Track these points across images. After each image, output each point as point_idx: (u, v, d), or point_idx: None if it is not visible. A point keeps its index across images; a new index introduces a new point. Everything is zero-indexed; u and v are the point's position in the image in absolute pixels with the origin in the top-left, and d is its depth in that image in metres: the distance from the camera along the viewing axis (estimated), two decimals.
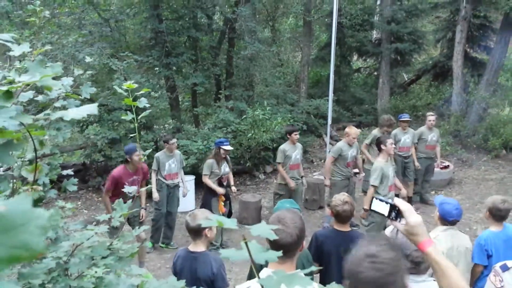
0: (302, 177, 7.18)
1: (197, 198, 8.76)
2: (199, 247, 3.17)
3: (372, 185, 5.76)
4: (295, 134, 6.79)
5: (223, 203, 6.59)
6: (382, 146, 5.85)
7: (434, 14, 15.59)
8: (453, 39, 12.08)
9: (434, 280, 2.18)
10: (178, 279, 2.97)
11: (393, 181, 6.00)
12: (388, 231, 2.38)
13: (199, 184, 8.46)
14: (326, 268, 3.48)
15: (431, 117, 7.93)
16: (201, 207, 6.60)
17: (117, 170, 5.48)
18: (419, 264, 2.19)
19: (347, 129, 6.91)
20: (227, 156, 6.67)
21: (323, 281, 3.45)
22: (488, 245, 3.65)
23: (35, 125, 0.93)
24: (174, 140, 6.61)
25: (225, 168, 6.59)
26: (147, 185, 5.58)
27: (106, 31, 9.77)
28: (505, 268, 2.58)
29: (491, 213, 3.71)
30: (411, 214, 1.67)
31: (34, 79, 0.75)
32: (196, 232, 3.14)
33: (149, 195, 8.61)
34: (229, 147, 6.54)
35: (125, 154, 5.56)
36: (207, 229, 3.17)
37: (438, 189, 8.91)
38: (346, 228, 3.60)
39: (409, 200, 7.68)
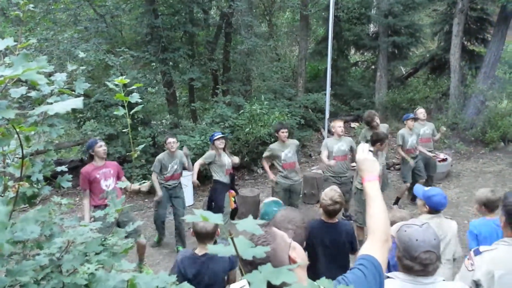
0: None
1: (195, 193, 8.77)
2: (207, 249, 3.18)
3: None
4: (282, 132, 6.50)
5: (233, 198, 6.47)
6: (378, 144, 5.88)
7: (431, 7, 15.56)
8: (450, 32, 12.04)
9: (443, 280, 2.17)
10: (195, 285, 2.96)
11: (381, 172, 6.05)
12: (393, 231, 2.37)
13: (198, 180, 8.46)
14: (314, 258, 3.56)
15: (420, 109, 7.97)
16: (209, 202, 6.49)
17: (85, 167, 5.27)
18: (427, 266, 2.11)
19: (331, 124, 6.78)
20: (225, 149, 6.40)
21: (311, 270, 3.52)
22: (478, 230, 3.76)
23: (19, 120, 0.91)
24: (171, 140, 6.25)
25: (228, 159, 6.39)
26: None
27: (102, 27, 9.72)
28: (477, 252, 2.62)
29: (486, 206, 3.80)
30: (359, 152, 1.95)
31: (16, 72, 0.74)
32: (210, 234, 3.16)
33: (148, 191, 8.63)
34: (220, 135, 6.30)
35: (87, 150, 5.32)
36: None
37: (436, 182, 8.90)
38: (333, 220, 3.73)
39: (397, 200, 7.71)
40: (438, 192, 3.66)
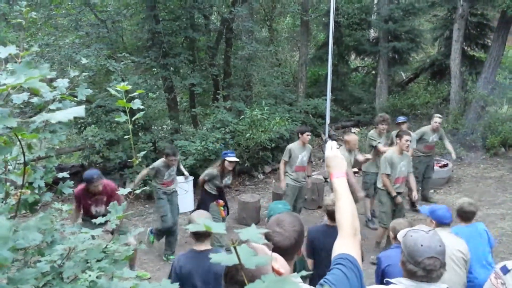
0: (308, 176, 6.97)
1: (196, 199, 8.75)
2: (206, 245, 3.23)
3: (383, 174, 6.09)
4: (307, 135, 6.46)
5: (222, 208, 6.44)
6: (397, 140, 6.10)
7: (431, 13, 15.59)
8: (451, 38, 12.07)
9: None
10: (186, 281, 2.92)
11: (403, 174, 6.14)
12: (400, 236, 2.38)
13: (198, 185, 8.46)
14: (319, 262, 3.57)
15: (437, 119, 7.70)
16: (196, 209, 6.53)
17: (78, 189, 5.05)
18: (431, 271, 2.09)
19: (346, 137, 6.62)
20: (234, 168, 6.33)
21: (315, 274, 3.53)
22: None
23: (21, 128, 0.91)
24: (174, 158, 6.13)
25: (227, 180, 6.36)
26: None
27: (103, 32, 9.74)
28: (505, 270, 2.59)
29: (458, 215, 4.05)
30: (328, 149, 2.01)
31: (18, 81, 0.74)
32: (205, 234, 3.19)
33: (148, 196, 8.61)
34: (234, 158, 6.14)
35: (84, 181, 4.98)
36: None
37: (437, 187, 8.90)
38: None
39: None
40: (442, 206, 3.87)
